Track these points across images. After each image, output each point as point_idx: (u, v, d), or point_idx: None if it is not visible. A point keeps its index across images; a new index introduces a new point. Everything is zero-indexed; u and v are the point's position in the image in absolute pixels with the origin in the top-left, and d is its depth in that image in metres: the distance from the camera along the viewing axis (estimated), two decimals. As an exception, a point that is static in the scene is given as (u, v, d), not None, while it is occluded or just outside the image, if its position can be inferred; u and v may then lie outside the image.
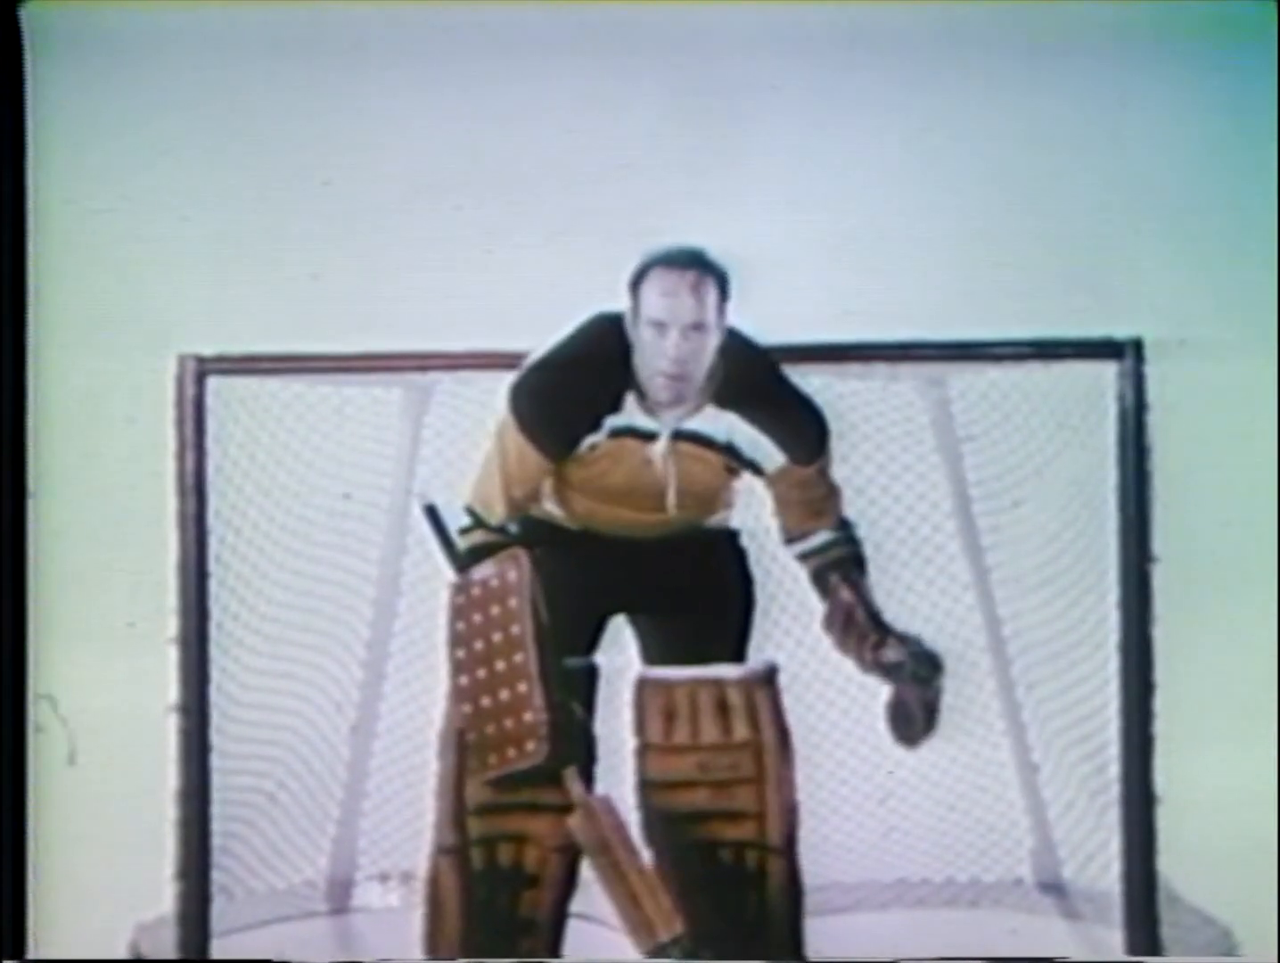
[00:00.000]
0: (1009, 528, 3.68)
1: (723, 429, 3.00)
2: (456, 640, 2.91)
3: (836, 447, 3.63)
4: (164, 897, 3.44)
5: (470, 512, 2.99)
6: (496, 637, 2.87)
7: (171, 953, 3.40)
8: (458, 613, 2.91)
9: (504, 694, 2.86)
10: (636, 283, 2.92)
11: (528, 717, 2.85)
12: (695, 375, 2.91)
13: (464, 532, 2.97)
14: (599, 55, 3.44)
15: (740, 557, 3.20)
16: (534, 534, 3.03)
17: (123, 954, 3.41)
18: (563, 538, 3.10)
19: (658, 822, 3.01)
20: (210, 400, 3.41)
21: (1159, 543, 3.46)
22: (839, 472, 3.66)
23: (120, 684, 3.43)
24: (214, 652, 3.45)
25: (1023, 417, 3.63)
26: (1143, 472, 3.44)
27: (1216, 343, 3.49)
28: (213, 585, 3.46)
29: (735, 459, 3.02)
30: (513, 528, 3.00)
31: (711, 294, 2.89)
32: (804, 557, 3.11)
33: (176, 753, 3.42)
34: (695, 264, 2.89)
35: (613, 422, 2.97)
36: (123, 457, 3.48)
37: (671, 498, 3.01)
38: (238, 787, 3.57)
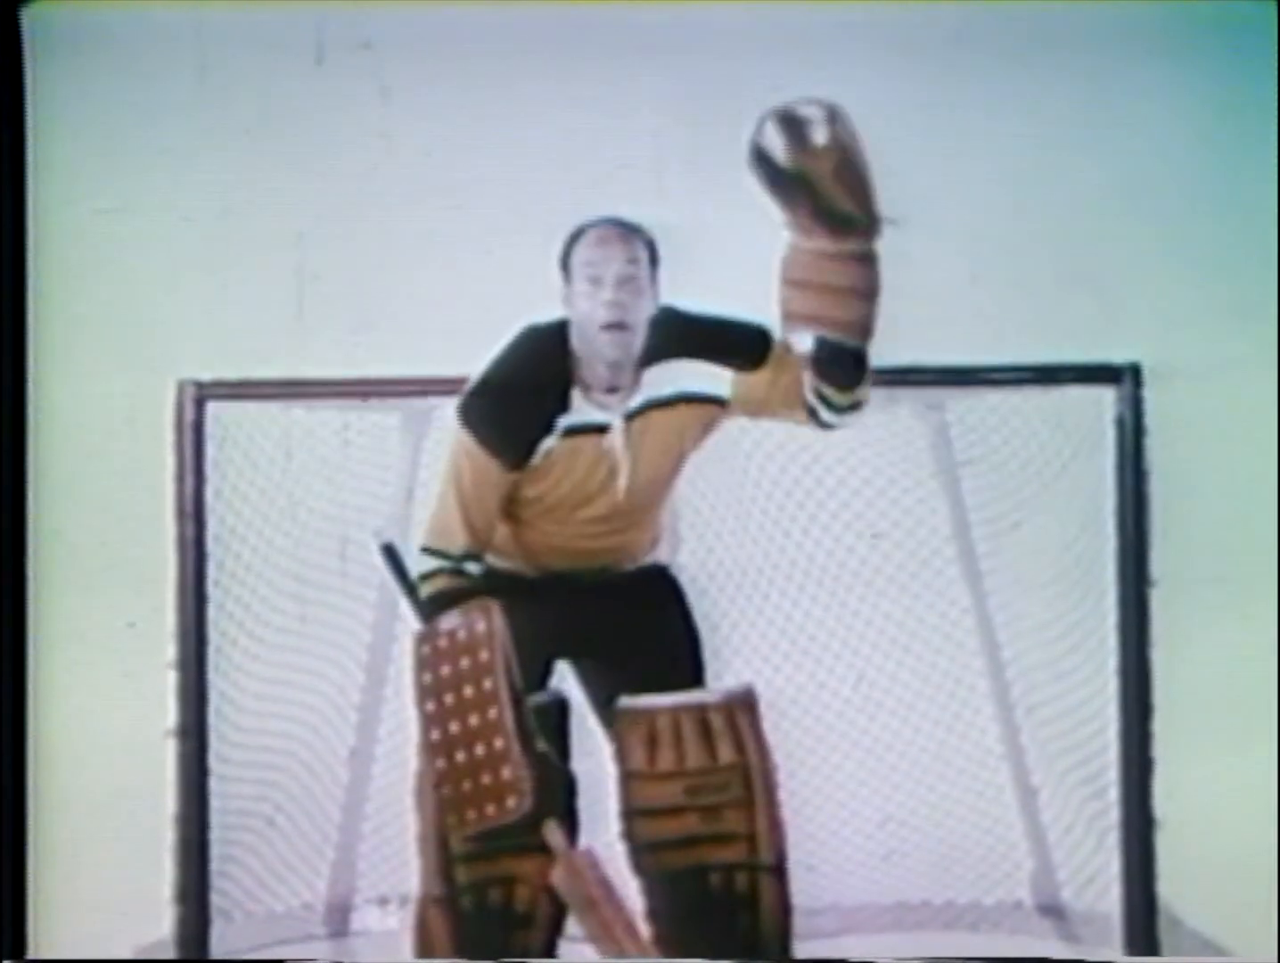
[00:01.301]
0: (1008, 551, 3.68)
1: (667, 385, 3.00)
2: (425, 693, 2.80)
3: (835, 471, 3.66)
4: (163, 920, 3.44)
5: (429, 551, 2.91)
6: (468, 691, 2.77)
7: (171, 976, 3.42)
8: (424, 664, 2.80)
9: (479, 750, 2.76)
10: (567, 256, 2.95)
11: (506, 773, 2.76)
12: (636, 326, 2.91)
13: (425, 577, 2.89)
14: (599, 55, 3.45)
15: (677, 589, 3.19)
16: (490, 583, 3.00)
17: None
18: (514, 586, 3.07)
19: (645, 850, 2.99)
20: (209, 425, 3.42)
21: (1157, 566, 3.46)
22: (839, 497, 3.69)
23: (119, 708, 3.44)
24: (212, 676, 3.45)
25: (1021, 441, 3.63)
26: (1141, 495, 3.45)
27: (1215, 366, 3.49)
28: (211, 610, 3.47)
29: (694, 402, 3.01)
30: (474, 569, 2.97)
31: (642, 250, 2.92)
32: (821, 397, 3.01)
33: (175, 776, 3.43)
34: (621, 224, 2.94)
35: (564, 421, 2.97)
36: (121, 481, 3.48)
37: (623, 481, 3.00)
38: (236, 810, 3.57)
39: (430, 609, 2.86)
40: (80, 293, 3.45)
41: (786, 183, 2.69)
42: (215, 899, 3.49)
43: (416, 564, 2.89)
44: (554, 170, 3.47)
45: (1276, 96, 3.39)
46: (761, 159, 2.69)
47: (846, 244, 2.72)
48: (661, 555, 3.17)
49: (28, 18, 3.33)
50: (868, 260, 2.74)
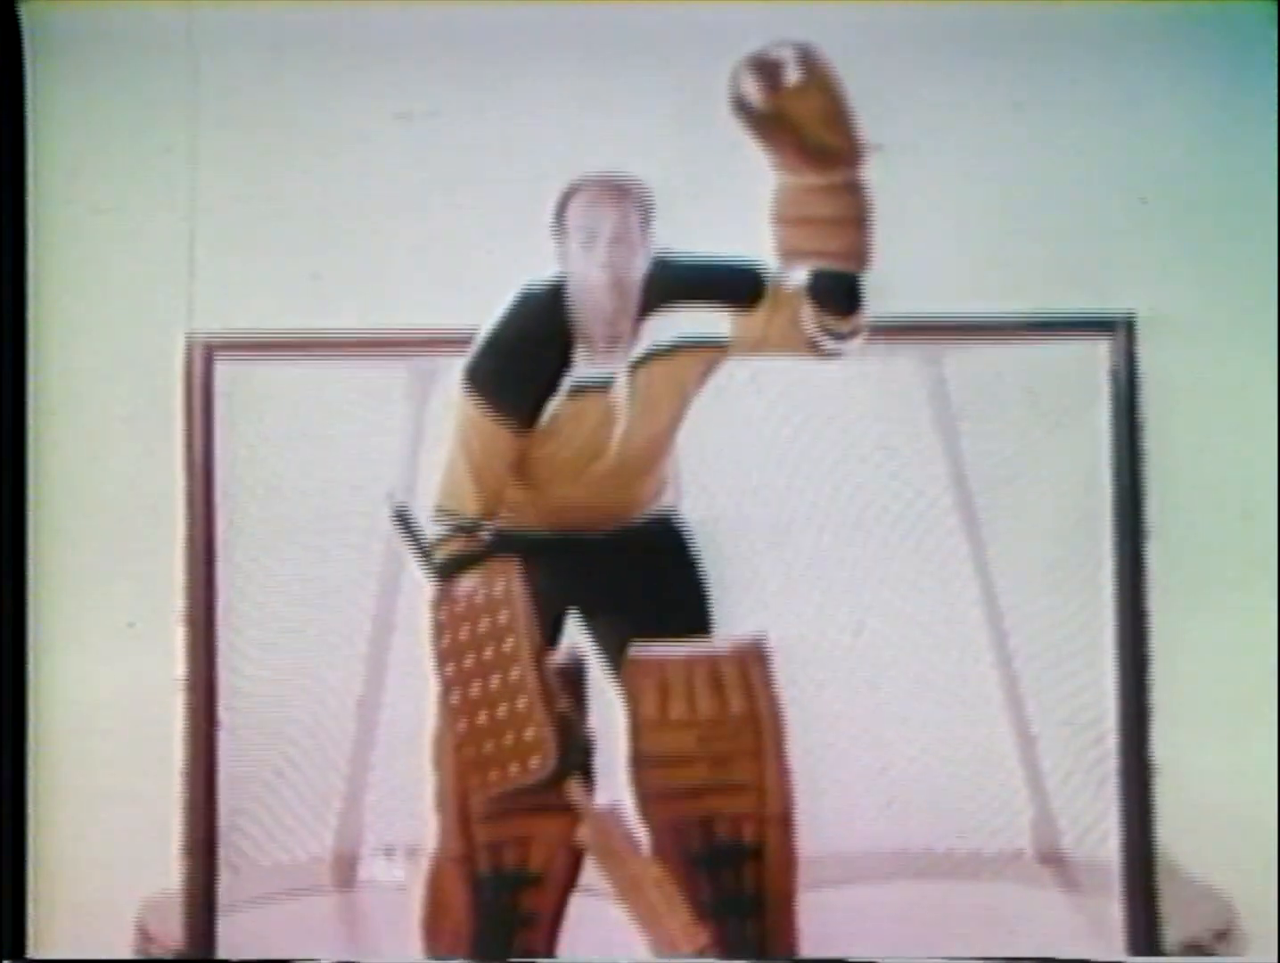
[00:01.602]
0: (1005, 504, 3.71)
1: (667, 333, 3.03)
2: (444, 656, 2.82)
3: (835, 422, 3.69)
4: (171, 873, 3.46)
5: (442, 512, 2.96)
6: (489, 652, 2.79)
7: (179, 930, 3.42)
8: (442, 628, 2.83)
9: (502, 710, 2.78)
10: (561, 213, 3.00)
11: (529, 733, 2.78)
12: (632, 282, 2.96)
13: (439, 541, 2.94)
14: (599, 55, 3.47)
15: (683, 538, 3.22)
16: (503, 544, 3.02)
17: (129, 949, 3.42)
18: (526, 545, 3.09)
19: (653, 799, 3.01)
20: (218, 382, 3.44)
21: (1153, 518, 3.49)
22: (836, 448, 3.71)
23: (127, 662, 3.45)
24: (220, 629, 3.47)
25: (1018, 393, 3.66)
26: (1136, 448, 3.48)
27: (1211, 319, 3.52)
28: (220, 565, 3.48)
29: (694, 348, 3.04)
30: (486, 532, 2.99)
31: (633, 209, 2.98)
32: (823, 327, 3.01)
33: (183, 730, 3.45)
34: (613, 181, 3.00)
35: (569, 380, 3.00)
36: (130, 437, 3.50)
37: (628, 432, 3.03)
38: (244, 762, 3.59)
39: (445, 572, 2.90)
40: (81, 293, 3.47)
41: (767, 124, 2.76)
42: (223, 852, 3.51)
43: (429, 528, 2.92)
44: (554, 170, 3.48)
45: (1277, 96, 3.41)
46: (741, 106, 2.77)
47: (833, 175, 2.79)
48: (666, 503, 3.21)
49: (27, 16, 3.36)
50: (856, 188, 2.81)
